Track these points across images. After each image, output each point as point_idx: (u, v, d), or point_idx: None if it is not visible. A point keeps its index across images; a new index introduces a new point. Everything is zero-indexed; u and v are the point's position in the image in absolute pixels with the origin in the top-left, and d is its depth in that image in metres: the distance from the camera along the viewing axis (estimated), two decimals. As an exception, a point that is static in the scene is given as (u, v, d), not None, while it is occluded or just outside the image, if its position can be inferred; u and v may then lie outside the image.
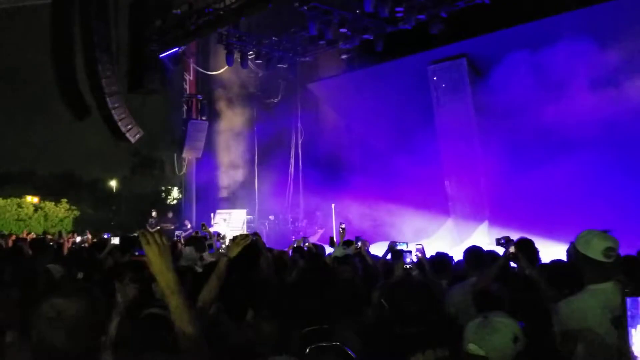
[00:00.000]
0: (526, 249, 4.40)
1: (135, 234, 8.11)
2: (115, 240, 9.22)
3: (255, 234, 5.26)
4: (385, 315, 3.08)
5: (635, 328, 1.79)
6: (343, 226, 7.51)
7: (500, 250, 4.34)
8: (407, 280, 3.96)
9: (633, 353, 1.78)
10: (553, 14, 10.91)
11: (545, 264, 4.48)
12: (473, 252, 4.64)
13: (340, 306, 3.28)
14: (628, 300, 1.82)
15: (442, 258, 5.21)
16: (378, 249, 7.73)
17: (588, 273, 2.87)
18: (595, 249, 2.79)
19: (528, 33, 11.31)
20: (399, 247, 5.75)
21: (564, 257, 4.75)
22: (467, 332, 2.18)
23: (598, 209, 9.30)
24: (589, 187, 10.19)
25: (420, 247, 5.33)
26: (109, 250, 6.33)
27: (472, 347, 2.12)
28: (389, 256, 5.98)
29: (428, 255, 5.52)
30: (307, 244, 7.18)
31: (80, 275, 4.69)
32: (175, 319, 2.01)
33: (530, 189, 11.26)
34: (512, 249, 4.16)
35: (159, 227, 16.50)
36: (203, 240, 7.12)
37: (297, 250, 6.65)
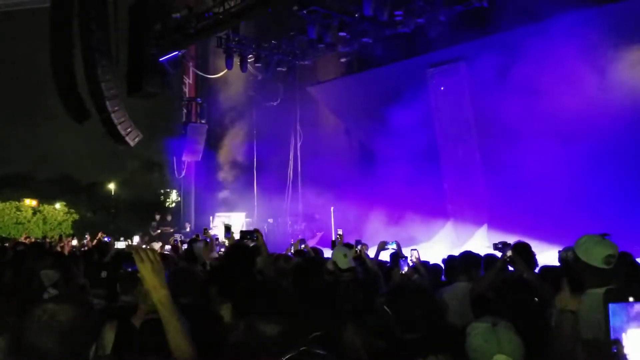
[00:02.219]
0: (523, 252, 4.42)
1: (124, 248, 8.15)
2: (120, 245, 9.24)
3: (256, 230, 5.22)
4: (386, 320, 3.10)
5: (626, 332, 1.80)
6: (340, 232, 7.47)
7: (498, 254, 4.37)
8: (409, 286, 3.97)
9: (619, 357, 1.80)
10: (551, 17, 10.93)
11: (551, 267, 4.51)
12: (465, 257, 4.69)
13: (339, 311, 3.28)
14: (612, 306, 1.84)
15: (468, 257, 4.87)
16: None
17: (588, 279, 2.90)
18: (596, 257, 2.83)
19: (526, 37, 11.32)
20: (389, 247, 5.77)
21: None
22: (478, 340, 2.15)
23: (598, 213, 9.33)
24: (589, 191, 10.21)
25: (415, 251, 5.31)
26: (114, 255, 6.32)
27: (502, 358, 2.10)
28: (381, 257, 5.99)
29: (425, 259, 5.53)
30: (304, 246, 7.16)
31: (104, 274, 4.71)
32: (167, 332, 2.06)
33: (529, 191, 11.27)
34: (509, 253, 4.19)
35: (159, 231, 16.54)
36: (205, 243, 7.14)
37: (298, 253, 6.63)
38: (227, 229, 6.58)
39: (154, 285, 2.09)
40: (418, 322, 2.60)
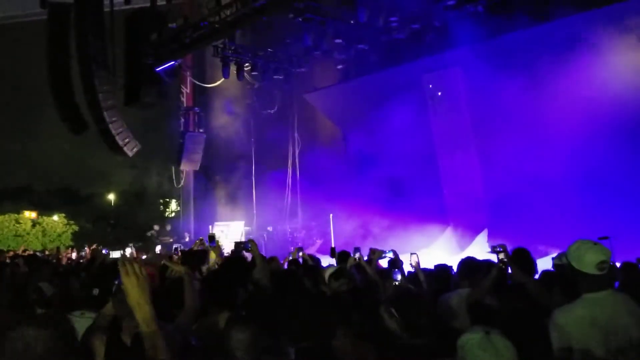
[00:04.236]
0: (521, 258, 4.38)
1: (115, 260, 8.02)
2: (116, 254, 9.21)
3: (250, 241, 5.16)
4: (389, 326, 3.07)
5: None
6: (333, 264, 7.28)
7: (496, 258, 4.34)
8: (415, 292, 3.97)
9: None
10: (546, 22, 10.96)
11: (551, 272, 4.48)
12: (466, 263, 4.65)
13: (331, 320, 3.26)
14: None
15: (442, 271, 5.01)
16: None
17: (583, 285, 2.90)
18: (588, 264, 2.83)
19: (522, 42, 11.34)
20: (386, 256, 5.74)
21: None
22: (476, 351, 2.12)
23: (599, 217, 9.28)
24: (589, 195, 10.16)
25: (415, 256, 5.26)
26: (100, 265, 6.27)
27: None
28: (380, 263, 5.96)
29: (425, 266, 5.48)
30: (301, 255, 7.10)
31: (95, 292, 4.57)
32: (148, 349, 1.96)
33: (529, 196, 11.23)
34: (501, 256, 4.15)
35: (158, 241, 16.49)
36: (201, 254, 7.09)
37: (293, 262, 6.58)
38: (211, 238, 6.47)
39: (138, 301, 1.97)
40: (424, 327, 2.60)
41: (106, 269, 6.19)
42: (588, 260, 2.83)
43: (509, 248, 4.46)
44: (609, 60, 10.15)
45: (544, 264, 5.35)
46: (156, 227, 17.72)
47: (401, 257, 5.57)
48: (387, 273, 5.66)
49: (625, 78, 10.00)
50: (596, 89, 10.25)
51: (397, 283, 4.58)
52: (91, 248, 11.02)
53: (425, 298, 3.94)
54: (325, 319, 2.88)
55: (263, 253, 5.20)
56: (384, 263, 6.21)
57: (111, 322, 3.09)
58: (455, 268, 5.60)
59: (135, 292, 1.98)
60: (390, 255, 5.61)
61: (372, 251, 6.45)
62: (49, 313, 3.92)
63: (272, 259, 6.50)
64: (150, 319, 1.97)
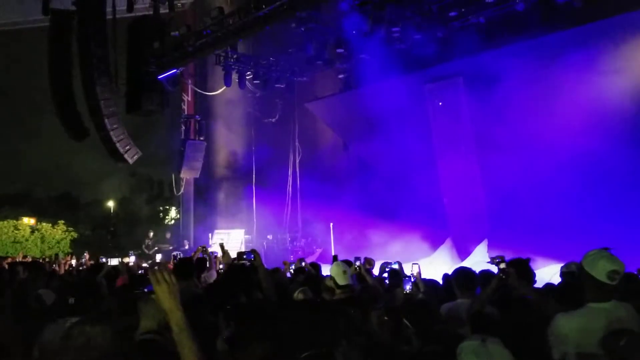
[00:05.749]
0: (520, 268, 4.38)
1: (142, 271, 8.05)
2: (114, 262, 9.18)
3: (253, 251, 5.17)
4: (387, 334, 3.07)
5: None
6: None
7: (495, 269, 4.33)
8: (428, 301, 3.98)
9: None
10: (547, 34, 11.02)
11: (552, 284, 4.49)
12: (462, 273, 4.62)
13: (334, 328, 3.25)
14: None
15: (467, 274, 4.88)
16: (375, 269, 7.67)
17: (590, 292, 2.89)
18: (600, 270, 2.83)
19: (523, 52, 11.39)
20: (393, 268, 5.74)
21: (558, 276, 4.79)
22: (471, 358, 2.15)
23: (600, 227, 9.25)
24: (590, 205, 10.16)
25: (416, 266, 5.25)
26: (105, 272, 6.27)
27: None
28: (384, 275, 5.97)
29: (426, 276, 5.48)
30: (304, 264, 7.15)
31: (71, 300, 4.54)
32: (182, 353, 2.05)
33: (529, 207, 11.24)
34: (502, 265, 4.15)
35: (156, 249, 16.45)
36: (203, 261, 7.09)
37: (298, 271, 6.60)
38: (221, 247, 6.51)
39: (170, 307, 2.07)
40: (437, 334, 2.62)
41: (84, 278, 6.20)
42: (601, 266, 2.85)
43: (509, 258, 4.45)
44: (612, 69, 10.20)
45: (544, 274, 5.35)
46: (150, 235, 17.66)
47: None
48: (392, 282, 5.67)
49: (626, 87, 10.05)
50: (598, 99, 10.28)
51: (406, 292, 4.59)
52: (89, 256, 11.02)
53: (436, 307, 3.94)
54: (327, 327, 2.87)
55: (263, 261, 5.19)
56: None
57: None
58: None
59: (167, 298, 2.07)
60: (396, 266, 5.63)
61: (368, 261, 6.50)
62: (109, 310, 3.98)
63: (276, 270, 6.54)
64: (182, 322, 2.07)
